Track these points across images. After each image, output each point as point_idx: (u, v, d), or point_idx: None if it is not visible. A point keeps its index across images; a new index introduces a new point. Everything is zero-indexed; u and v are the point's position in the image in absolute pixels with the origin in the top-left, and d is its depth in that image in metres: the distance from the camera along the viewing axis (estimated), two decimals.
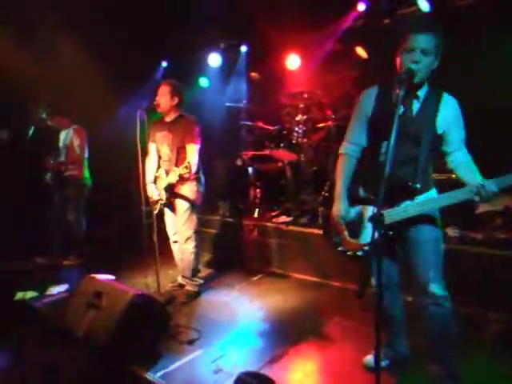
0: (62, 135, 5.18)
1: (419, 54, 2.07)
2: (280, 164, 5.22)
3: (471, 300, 3.25)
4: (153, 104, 3.71)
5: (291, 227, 4.59)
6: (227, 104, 5.58)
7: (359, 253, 2.30)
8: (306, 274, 4.37)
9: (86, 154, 5.17)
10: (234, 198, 5.17)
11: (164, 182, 3.80)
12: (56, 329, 3.29)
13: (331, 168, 4.80)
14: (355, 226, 2.33)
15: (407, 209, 2.13)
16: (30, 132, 5.22)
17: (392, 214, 2.13)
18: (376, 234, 1.74)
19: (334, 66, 5.76)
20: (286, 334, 3.21)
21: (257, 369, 2.68)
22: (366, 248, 2.24)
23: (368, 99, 2.32)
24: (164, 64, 7.34)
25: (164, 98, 3.76)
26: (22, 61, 5.21)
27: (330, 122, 4.83)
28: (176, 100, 3.79)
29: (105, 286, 3.10)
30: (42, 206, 5.35)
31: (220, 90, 6.52)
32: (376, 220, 1.75)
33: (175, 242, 4.12)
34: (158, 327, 3.05)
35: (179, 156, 3.77)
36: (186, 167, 3.50)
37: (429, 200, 2.15)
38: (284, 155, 4.96)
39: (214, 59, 6.77)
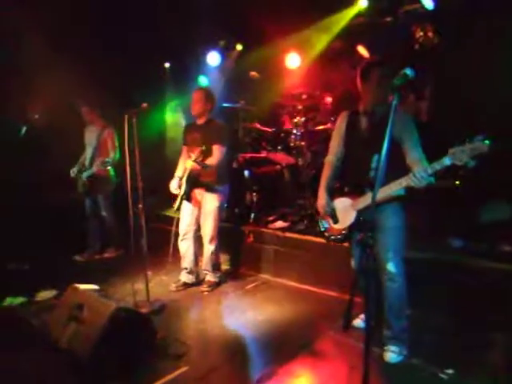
0: (92, 133, 5.26)
1: None
2: (277, 167, 5.05)
3: (473, 319, 3.09)
4: (141, 107, 3.60)
5: (288, 234, 4.44)
6: (224, 104, 5.40)
7: (339, 237, 2.93)
8: (303, 282, 4.21)
9: (118, 156, 5.20)
10: (229, 201, 4.99)
11: (186, 173, 3.99)
12: (40, 338, 3.18)
13: None
14: (334, 216, 2.96)
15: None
16: (23, 131, 5.17)
17: (360, 202, 2.76)
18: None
19: (336, 64, 5.60)
20: (277, 351, 3.05)
21: None
22: (344, 232, 2.89)
23: (342, 121, 3.00)
24: (167, 65, 7.23)
25: (199, 103, 4.05)
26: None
27: (329, 125, 4.65)
28: (209, 105, 4.09)
29: (87, 298, 2.97)
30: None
31: (218, 90, 6.37)
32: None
33: (184, 239, 4.24)
34: (142, 342, 2.92)
35: (206, 157, 3.93)
36: (201, 151, 3.80)
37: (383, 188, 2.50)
38: (281, 158, 4.81)
39: (213, 58, 6.63)
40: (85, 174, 5.16)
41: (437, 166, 2.28)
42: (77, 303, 2.95)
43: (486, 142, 2.08)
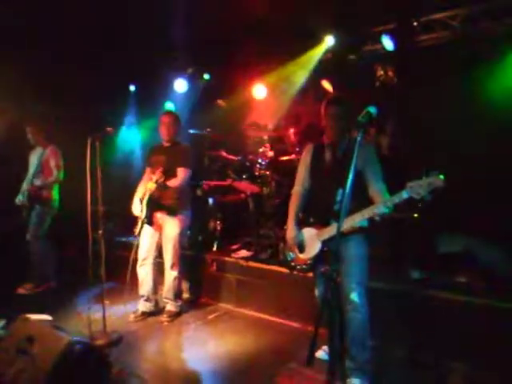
0: (36, 153, 4.98)
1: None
2: (242, 196, 5.05)
3: (433, 348, 3.15)
4: (105, 130, 3.54)
5: (251, 263, 4.40)
6: (190, 131, 5.39)
7: (305, 266, 2.91)
8: (266, 313, 4.16)
9: (62, 175, 4.94)
10: (193, 229, 4.92)
11: (146, 195, 3.90)
12: None
13: None
14: (301, 246, 2.94)
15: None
16: None
17: (325, 233, 2.75)
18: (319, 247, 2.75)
19: (302, 97, 5.75)
20: None
21: None
22: (310, 261, 2.87)
23: (308, 153, 3.05)
24: (132, 88, 7.20)
25: (171, 128, 4.07)
26: None
27: (293, 155, 4.73)
28: (177, 129, 4.15)
29: (38, 330, 2.78)
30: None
31: (185, 117, 6.38)
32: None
33: (143, 265, 4.11)
34: (97, 376, 2.76)
35: (168, 178, 3.85)
36: (162, 172, 3.72)
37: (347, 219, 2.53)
38: (246, 187, 4.81)
39: (181, 85, 6.65)
40: (27, 197, 4.84)
41: (396, 199, 2.37)
42: (27, 335, 2.75)
43: (441, 176, 2.17)
